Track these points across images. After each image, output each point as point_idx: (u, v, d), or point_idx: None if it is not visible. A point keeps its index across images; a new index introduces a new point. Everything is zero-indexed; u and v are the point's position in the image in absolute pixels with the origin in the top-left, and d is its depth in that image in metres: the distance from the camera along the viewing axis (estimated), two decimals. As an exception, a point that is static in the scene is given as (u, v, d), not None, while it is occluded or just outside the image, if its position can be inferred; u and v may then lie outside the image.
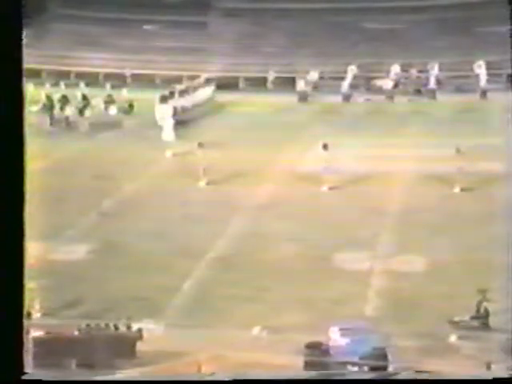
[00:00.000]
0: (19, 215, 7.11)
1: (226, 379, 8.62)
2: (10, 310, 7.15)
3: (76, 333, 13.14)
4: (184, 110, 32.16)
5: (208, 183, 23.09)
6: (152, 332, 13.86)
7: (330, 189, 21.92)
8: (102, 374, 11.58)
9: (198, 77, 36.99)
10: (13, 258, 7.12)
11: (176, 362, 13.01)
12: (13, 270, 7.14)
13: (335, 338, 12.89)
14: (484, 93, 34.15)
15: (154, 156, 26.01)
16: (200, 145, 24.26)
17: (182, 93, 33.69)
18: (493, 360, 12.69)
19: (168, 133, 28.13)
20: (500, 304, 13.73)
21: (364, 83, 37.66)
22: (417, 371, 11.54)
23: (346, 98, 35.38)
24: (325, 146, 22.34)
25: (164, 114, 29.07)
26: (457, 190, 21.22)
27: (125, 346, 13.12)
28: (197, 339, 13.88)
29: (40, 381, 8.10)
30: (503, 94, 33.43)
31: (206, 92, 36.11)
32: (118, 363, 12.51)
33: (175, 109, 30.06)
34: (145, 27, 42.48)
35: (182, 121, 30.50)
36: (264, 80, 39.27)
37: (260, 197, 22.17)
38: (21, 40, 6.83)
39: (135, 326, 13.73)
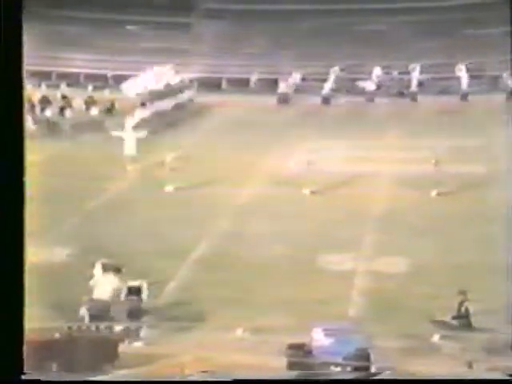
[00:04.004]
0: (19, 215, 7.10)
1: (212, 379, 8.63)
2: (10, 310, 7.11)
3: (57, 335, 13.05)
4: (164, 112, 32.12)
5: (190, 185, 23.04)
6: (134, 334, 13.81)
7: (313, 191, 21.94)
8: (83, 377, 11.51)
9: (180, 78, 36.96)
10: (13, 259, 7.09)
11: (159, 363, 12.96)
12: (13, 271, 7.11)
13: (318, 339, 12.91)
14: (465, 95, 34.39)
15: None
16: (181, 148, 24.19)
17: (163, 95, 33.66)
18: (474, 359, 12.78)
19: (129, 147, 25.37)
20: (481, 304, 13.81)
21: (346, 85, 37.78)
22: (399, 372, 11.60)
23: (328, 99, 35.44)
24: (306, 156, 22.33)
25: (127, 128, 26.06)
26: (438, 192, 21.32)
27: (107, 349, 13.05)
28: (180, 341, 13.84)
29: (39, 381, 8.07)
30: (484, 96, 33.73)
31: (189, 93, 36.10)
32: (100, 366, 12.43)
33: (141, 120, 28.46)
34: (127, 28, 42.35)
35: (162, 123, 30.45)
36: (247, 81, 39.30)
37: (243, 198, 22.17)
38: (21, 40, 6.81)
39: (117, 328, 13.66)
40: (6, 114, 6.87)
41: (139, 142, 25.42)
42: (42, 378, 9.94)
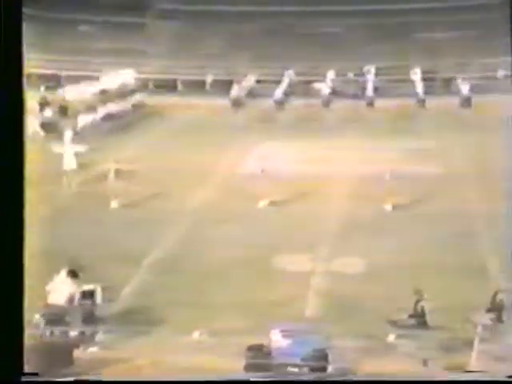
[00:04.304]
0: (19, 216, 7.02)
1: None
2: (10, 311, 7.02)
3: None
4: (117, 114, 31.78)
5: (143, 187, 22.80)
6: (90, 338, 13.62)
7: (268, 192, 21.92)
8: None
9: (134, 79, 36.65)
10: (13, 260, 7.01)
11: (115, 368, 12.81)
12: (12, 272, 7.03)
13: (276, 340, 12.92)
14: (420, 98, 34.86)
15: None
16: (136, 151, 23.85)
17: (116, 96, 33.33)
18: (429, 357, 12.94)
19: (68, 161, 23.89)
20: (436, 302, 13.98)
21: (301, 87, 37.93)
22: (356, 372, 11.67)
23: (282, 102, 35.49)
24: (261, 158, 22.30)
25: (66, 141, 24.31)
26: (394, 193, 21.53)
27: (62, 354, 12.84)
28: (136, 345, 13.70)
29: (39, 381, 7.95)
30: (438, 98, 34.25)
31: (143, 95, 35.83)
32: (55, 371, 12.23)
33: (75, 133, 27.18)
34: (80, 28, 41.81)
35: (116, 125, 30.14)
36: (202, 83, 39.18)
37: (197, 201, 22.06)
38: (20, 41, 6.70)
39: (72, 333, 13.45)
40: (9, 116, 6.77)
41: (92, 146, 24.96)
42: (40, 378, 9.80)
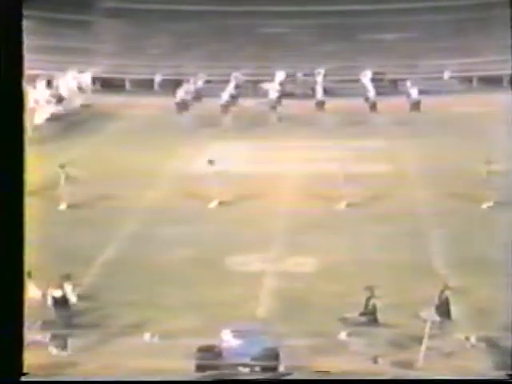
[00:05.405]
0: (19, 217, 6.94)
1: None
2: (10, 311, 6.93)
3: None
4: (63, 114, 31.25)
5: (90, 188, 22.43)
6: (39, 343, 13.33)
7: (220, 193, 21.83)
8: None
9: (81, 78, 36.11)
10: (13, 261, 6.91)
11: (64, 372, 12.59)
12: (12, 272, 6.93)
13: (227, 340, 12.89)
14: (368, 98, 35.21)
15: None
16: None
17: (61, 96, 32.75)
18: (379, 354, 13.06)
19: None
20: (387, 300, 14.11)
21: (250, 87, 37.93)
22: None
23: (230, 102, 35.39)
24: (210, 162, 22.21)
25: None
26: (345, 192, 21.68)
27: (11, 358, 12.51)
28: (86, 348, 13.48)
29: (39, 381, 7.83)
30: (387, 99, 34.66)
31: (89, 95, 35.31)
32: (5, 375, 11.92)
33: None
34: (22, 24, 40.84)
35: (60, 126, 29.66)
36: (151, 82, 38.84)
37: (148, 201, 21.86)
38: (21, 41, 6.54)
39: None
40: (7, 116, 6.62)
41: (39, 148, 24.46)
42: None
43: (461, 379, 11.35)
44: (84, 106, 34.51)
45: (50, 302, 14.03)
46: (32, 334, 13.02)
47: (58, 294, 14.03)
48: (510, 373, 11.78)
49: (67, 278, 14.41)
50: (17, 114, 7.10)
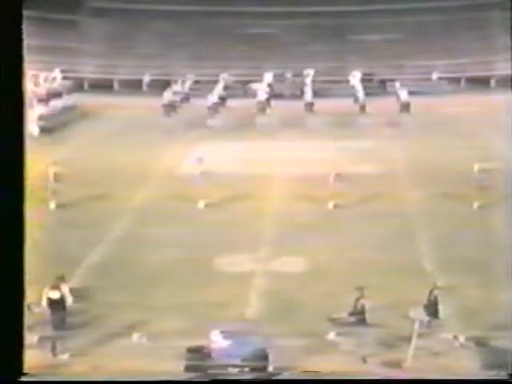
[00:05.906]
0: (19, 217, 6.93)
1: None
2: (10, 311, 6.89)
3: None
4: (51, 115, 31.13)
5: (79, 188, 22.35)
6: (28, 345, 13.24)
7: (208, 194, 21.81)
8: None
9: (69, 78, 36.00)
10: (13, 261, 6.88)
11: (54, 373, 12.53)
12: (12, 273, 6.92)
13: (217, 341, 12.86)
14: (358, 99, 35.28)
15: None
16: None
17: (49, 96, 32.63)
18: (368, 354, 13.08)
19: None
20: (376, 300, 14.12)
21: (239, 88, 37.91)
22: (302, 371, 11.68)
23: (219, 103, 35.37)
24: (199, 159, 22.19)
25: None
26: (334, 192, 21.69)
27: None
28: (75, 349, 13.42)
29: (39, 381, 7.78)
30: (376, 99, 34.75)
31: (78, 95, 35.19)
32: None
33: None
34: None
35: (48, 127, 29.53)
36: (139, 82, 38.77)
37: (137, 202, 21.80)
38: (21, 41, 6.53)
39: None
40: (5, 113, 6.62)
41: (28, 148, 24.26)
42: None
43: (461, 379, 11.34)
44: (72, 106, 34.40)
45: (44, 303, 13.89)
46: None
47: (55, 295, 13.90)
48: (510, 373, 11.81)
49: (63, 278, 14.26)
50: (17, 114, 7.08)
